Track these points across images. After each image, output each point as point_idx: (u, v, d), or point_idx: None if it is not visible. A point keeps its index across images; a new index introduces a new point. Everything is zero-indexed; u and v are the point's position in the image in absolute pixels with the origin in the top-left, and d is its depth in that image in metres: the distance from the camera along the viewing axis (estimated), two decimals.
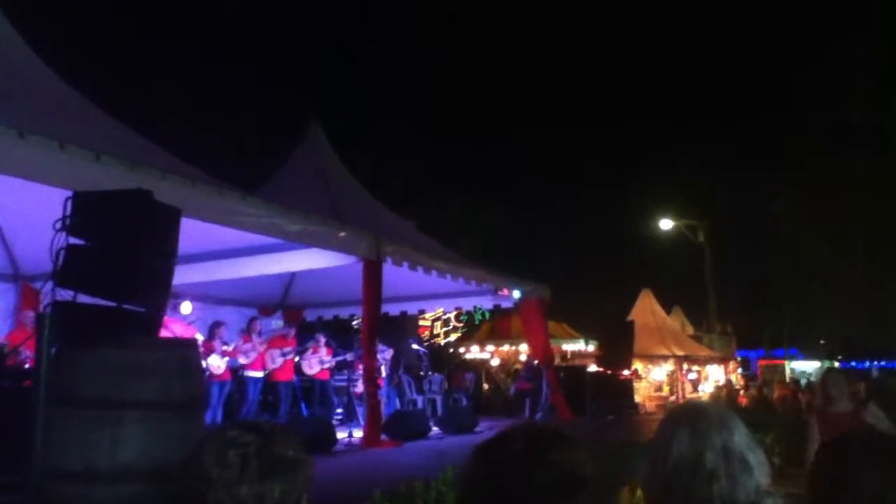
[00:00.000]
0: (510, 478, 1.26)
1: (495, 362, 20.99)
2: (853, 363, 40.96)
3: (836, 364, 39.14)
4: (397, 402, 13.00)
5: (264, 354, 11.11)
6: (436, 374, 14.68)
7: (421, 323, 22.78)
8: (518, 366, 19.26)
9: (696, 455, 1.56)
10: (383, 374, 11.98)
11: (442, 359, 18.96)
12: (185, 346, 4.91)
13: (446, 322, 24.03)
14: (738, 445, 1.58)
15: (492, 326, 22.55)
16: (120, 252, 4.70)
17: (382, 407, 11.89)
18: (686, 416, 1.64)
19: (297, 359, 11.74)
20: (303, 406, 11.82)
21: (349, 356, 11.84)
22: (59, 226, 4.73)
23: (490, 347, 21.49)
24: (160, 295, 4.96)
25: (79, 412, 4.00)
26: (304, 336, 12.23)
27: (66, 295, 4.65)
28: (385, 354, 12.29)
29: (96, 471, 3.92)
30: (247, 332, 11.01)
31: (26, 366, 7.81)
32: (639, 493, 6.74)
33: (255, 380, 10.88)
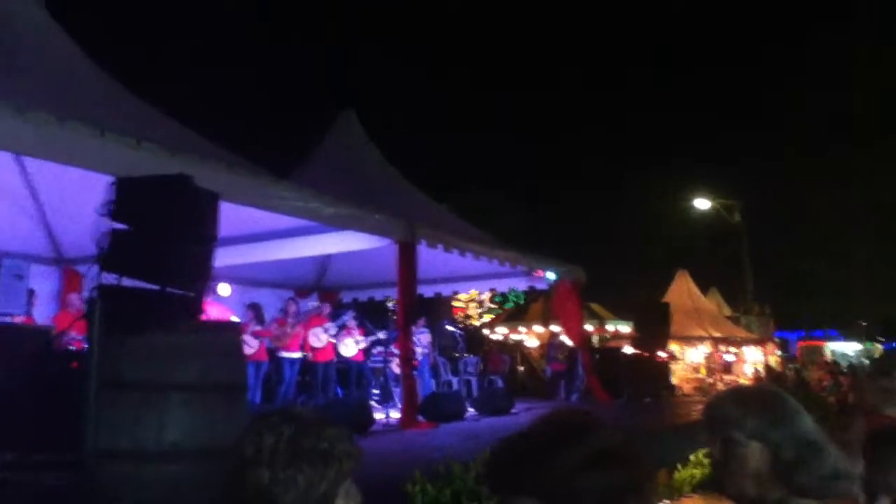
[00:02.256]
0: (542, 456, 1.24)
1: (532, 343, 20.94)
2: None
3: (879, 346, 38.43)
4: (433, 383, 13.08)
5: (307, 334, 11.23)
6: (471, 356, 14.70)
7: (455, 304, 22.82)
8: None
9: (776, 443, 1.53)
10: (420, 355, 12.07)
11: (476, 340, 18.98)
12: (227, 329, 5.00)
13: (480, 304, 24.03)
14: (809, 430, 1.55)
15: (511, 311, 22.52)
16: (162, 237, 4.78)
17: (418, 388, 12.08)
18: (759, 404, 1.60)
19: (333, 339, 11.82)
20: (337, 388, 11.89)
21: (381, 335, 11.94)
22: (102, 211, 4.81)
23: (523, 329, 21.48)
24: (202, 278, 5.03)
25: (126, 394, 4.10)
26: (334, 314, 12.26)
27: (110, 279, 4.74)
28: (422, 337, 12.34)
29: (144, 451, 4.02)
30: (282, 315, 11.09)
31: (71, 348, 8.01)
32: (677, 475, 6.71)
33: (292, 361, 10.96)
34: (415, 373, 11.84)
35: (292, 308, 11.18)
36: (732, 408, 1.61)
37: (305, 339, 11.38)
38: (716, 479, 1.64)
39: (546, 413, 1.40)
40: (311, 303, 13.75)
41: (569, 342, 15.46)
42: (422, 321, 11.67)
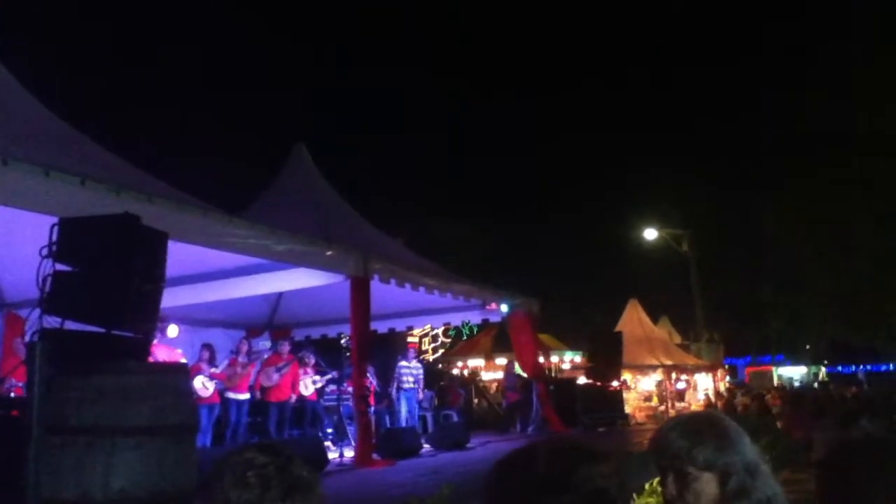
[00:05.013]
0: (538, 497, 1.23)
1: (488, 376, 20.99)
2: (840, 367, 41.23)
3: (823, 369, 39.43)
4: (387, 419, 12.99)
5: (259, 374, 11.05)
6: (426, 391, 14.63)
7: (409, 339, 22.72)
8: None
9: (723, 470, 1.54)
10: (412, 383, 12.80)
11: (431, 375, 18.90)
12: (176, 371, 4.89)
13: (434, 338, 23.96)
14: (753, 456, 1.58)
15: (478, 340, 22.59)
16: (108, 278, 4.68)
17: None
18: (699, 429, 1.61)
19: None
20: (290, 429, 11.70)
21: (333, 374, 11.87)
22: (45, 252, 4.71)
23: (479, 362, 21.51)
24: (149, 320, 4.94)
25: (71, 440, 3.97)
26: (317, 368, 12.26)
27: (53, 322, 4.62)
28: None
29: (91, 499, 3.89)
30: (235, 355, 10.90)
31: (12, 394, 7.74)
32: (638, 500, 6.73)
33: (239, 402, 10.72)
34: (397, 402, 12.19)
35: (244, 348, 10.99)
36: (680, 440, 1.62)
37: (257, 379, 11.21)
38: None
39: (533, 446, 1.38)
40: (264, 341, 13.57)
41: (494, 375, 15.64)
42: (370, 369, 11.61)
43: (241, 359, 10.73)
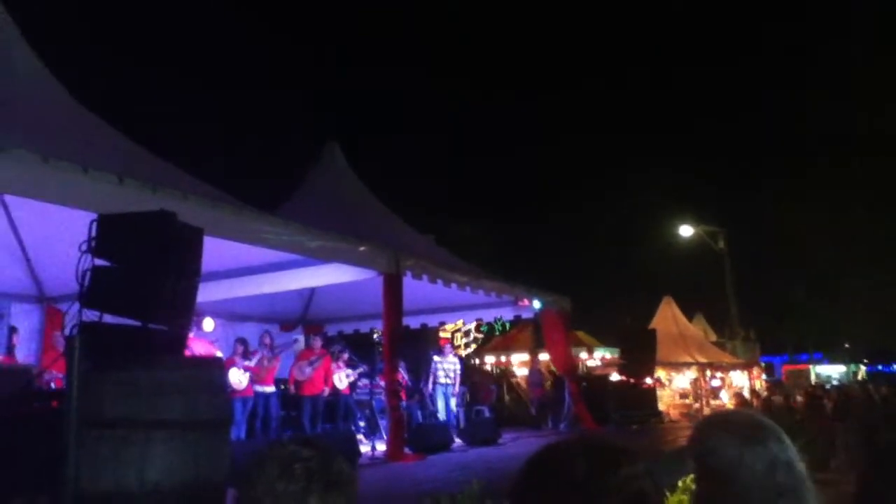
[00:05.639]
0: (574, 499, 1.18)
1: (520, 372, 20.93)
2: (880, 367, 40.40)
3: (863, 368, 38.66)
4: (419, 414, 13.04)
5: (292, 368, 11.18)
6: (460, 386, 14.64)
7: (441, 335, 22.76)
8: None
9: (767, 470, 1.52)
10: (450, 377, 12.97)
11: (463, 371, 18.91)
12: (211, 365, 4.96)
13: (466, 334, 23.97)
14: (794, 458, 1.56)
15: (498, 340, 22.55)
16: (144, 273, 4.77)
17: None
18: (750, 429, 1.59)
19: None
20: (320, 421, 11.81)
21: (364, 368, 11.99)
22: (84, 248, 4.80)
23: (519, 357, 21.48)
24: (185, 314, 5.02)
25: (108, 433, 4.05)
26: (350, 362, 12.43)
27: (92, 316, 4.72)
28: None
29: (126, 491, 3.96)
30: (259, 348, 10.96)
31: (52, 386, 7.93)
32: (667, 501, 6.68)
33: (266, 395, 10.82)
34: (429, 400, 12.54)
35: (267, 341, 11.08)
36: (718, 436, 1.61)
37: (291, 374, 11.34)
38: None
39: (568, 445, 1.32)
40: (297, 336, 13.70)
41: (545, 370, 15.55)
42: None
43: (265, 352, 10.80)
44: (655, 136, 47.88)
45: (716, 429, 1.65)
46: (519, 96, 52.29)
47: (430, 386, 13.22)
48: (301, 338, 13.63)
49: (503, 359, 21.77)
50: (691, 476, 1.73)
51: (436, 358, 13.48)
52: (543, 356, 18.86)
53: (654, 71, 49.65)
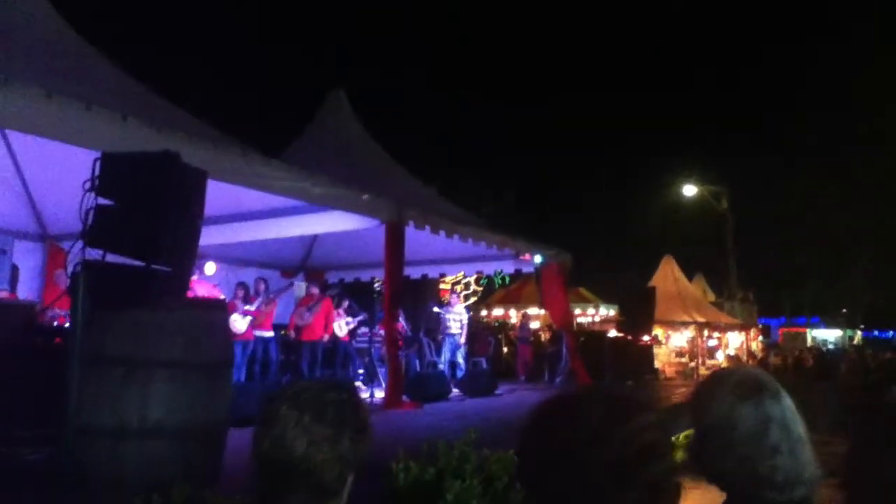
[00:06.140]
0: (583, 450, 1.17)
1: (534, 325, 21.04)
2: (876, 332, 40.68)
3: (859, 334, 38.94)
4: (416, 363, 13.17)
5: (293, 314, 11.27)
6: None
7: (441, 286, 22.85)
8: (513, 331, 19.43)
9: (761, 427, 1.52)
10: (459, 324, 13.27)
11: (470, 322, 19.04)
12: (213, 307, 4.98)
13: (466, 286, 24.05)
14: (791, 417, 1.57)
15: (507, 291, 22.62)
16: (147, 213, 4.74)
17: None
18: (746, 386, 1.59)
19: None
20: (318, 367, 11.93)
21: (364, 316, 12.08)
22: (87, 186, 4.77)
23: (510, 311, 21.57)
24: (187, 256, 5.01)
25: (110, 370, 4.09)
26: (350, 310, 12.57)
27: (94, 255, 4.71)
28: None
29: (127, 428, 4.02)
30: (254, 294, 11.02)
31: (55, 323, 7.98)
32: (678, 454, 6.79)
33: (265, 339, 10.99)
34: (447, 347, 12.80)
35: (261, 287, 11.14)
36: (714, 391, 1.62)
37: (291, 319, 11.44)
38: (698, 462, 1.64)
39: (583, 394, 1.32)
40: (298, 282, 13.74)
41: (535, 325, 15.63)
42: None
43: (260, 297, 10.86)
44: (657, 92, 47.31)
45: (713, 384, 1.65)
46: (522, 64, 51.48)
47: (440, 336, 13.37)
48: (298, 282, 13.68)
49: (501, 312, 21.87)
50: (683, 434, 1.73)
51: (435, 309, 13.56)
52: (531, 311, 18.99)
53: (659, 33, 48.88)
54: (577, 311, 21.56)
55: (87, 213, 4.71)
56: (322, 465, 1.39)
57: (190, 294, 7.24)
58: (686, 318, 22.19)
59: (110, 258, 4.76)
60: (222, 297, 9.93)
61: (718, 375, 1.72)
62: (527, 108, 47.66)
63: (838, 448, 1.68)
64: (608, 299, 21.68)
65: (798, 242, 31.44)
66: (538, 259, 13.61)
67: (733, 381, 1.62)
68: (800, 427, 1.57)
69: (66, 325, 7.55)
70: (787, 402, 1.59)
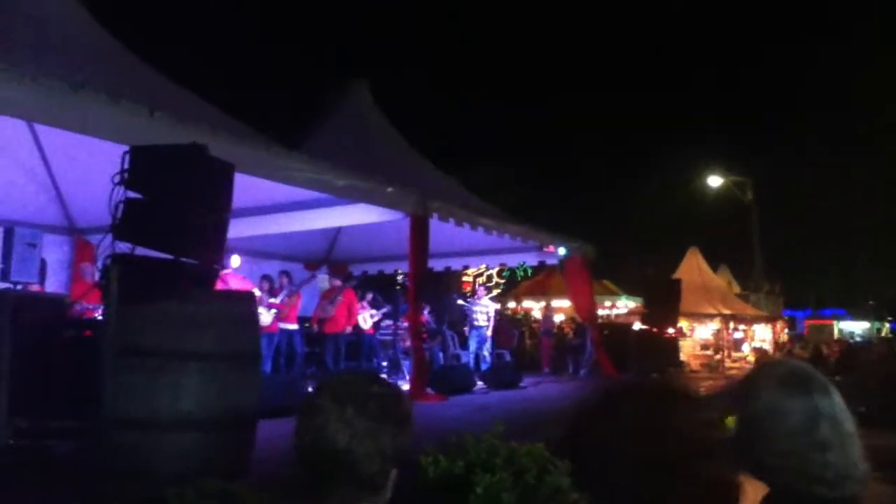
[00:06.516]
0: (640, 441, 1.16)
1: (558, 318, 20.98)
2: None
3: (887, 325, 38.36)
4: (440, 356, 13.17)
5: (317, 308, 11.30)
6: None
7: (464, 279, 22.82)
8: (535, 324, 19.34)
9: (810, 421, 1.48)
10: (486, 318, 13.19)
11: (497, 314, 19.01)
12: (242, 299, 4.99)
13: (489, 278, 24.01)
14: (840, 413, 1.53)
15: (533, 283, 22.52)
16: (176, 206, 4.76)
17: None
18: (795, 379, 1.55)
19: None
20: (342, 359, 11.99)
21: (387, 308, 12.10)
22: (116, 179, 4.80)
23: (531, 304, 21.50)
24: (216, 248, 5.03)
25: (141, 362, 4.11)
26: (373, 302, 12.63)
27: (123, 248, 4.74)
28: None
29: (158, 419, 4.04)
30: (278, 287, 11.10)
31: (85, 316, 8.07)
32: None
33: (290, 332, 11.09)
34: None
35: (284, 281, 11.20)
36: (760, 382, 1.58)
37: (316, 313, 11.50)
38: (739, 453, 1.61)
39: (634, 387, 1.32)
40: (322, 275, 13.79)
41: (558, 318, 15.56)
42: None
43: (285, 290, 10.94)
44: (681, 90, 46.86)
45: (761, 375, 1.62)
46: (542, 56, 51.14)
47: (467, 329, 13.38)
48: (321, 275, 13.73)
49: (525, 304, 21.79)
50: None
51: (459, 302, 13.55)
52: (555, 303, 18.88)
53: (680, 32, 48.42)
54: (607, 303, 21.46)
55: (116, 206, 4.74)
56: (363, 459, 1.38)
57: (223, 286, 7.28)
58: (711, 311, 22.00)
59: (139, 251, 4.80)
60: (254, 290, 9.99)
61: (766, 366, 1.68)
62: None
63: (874, 441, 1.64)
64: (633, 292, 21.55)
65: (825, 234, 31.03)
66: (562, 251, 13.54)
67: (781, 373, 1.58)
68: (849, 422, 1.53)
69: (95, 317, 7.63)
70: (836, 396, 1.55)
